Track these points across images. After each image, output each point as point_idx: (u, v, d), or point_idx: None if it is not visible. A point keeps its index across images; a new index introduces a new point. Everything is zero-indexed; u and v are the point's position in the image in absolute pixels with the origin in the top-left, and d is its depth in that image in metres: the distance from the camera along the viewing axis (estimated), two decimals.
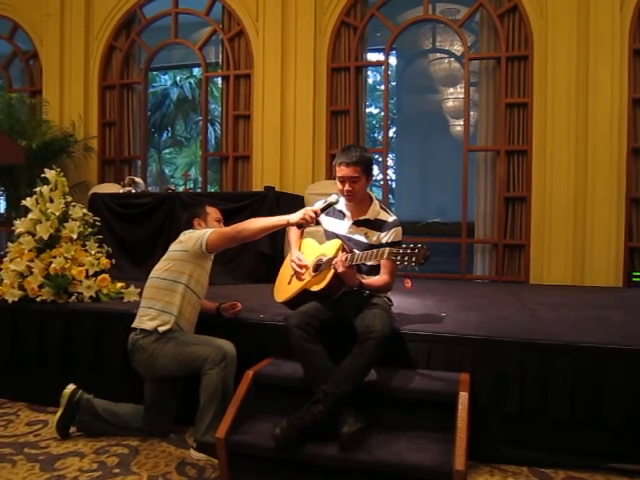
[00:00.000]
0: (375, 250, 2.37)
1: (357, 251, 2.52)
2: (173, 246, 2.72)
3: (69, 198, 3.47)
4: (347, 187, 2.57)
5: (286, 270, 2.78)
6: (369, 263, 2.48)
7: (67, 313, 3.15)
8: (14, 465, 2.39)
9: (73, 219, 3.40)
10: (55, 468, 2.36)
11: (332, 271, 2.42)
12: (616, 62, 5.07)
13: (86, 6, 6.68)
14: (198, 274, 2.65)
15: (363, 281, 2.51)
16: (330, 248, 2.58)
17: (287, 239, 2.90)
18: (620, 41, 5.07)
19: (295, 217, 2.49)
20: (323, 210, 2.60)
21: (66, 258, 3.27)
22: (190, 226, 2.83)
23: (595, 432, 2.37)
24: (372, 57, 8.00)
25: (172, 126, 16.15)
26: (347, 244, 2.59)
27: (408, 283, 2.49)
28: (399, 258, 2.21)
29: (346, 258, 2.39)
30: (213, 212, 2.91)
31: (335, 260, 2.40)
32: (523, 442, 2.43)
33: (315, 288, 2.50)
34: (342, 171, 2.57)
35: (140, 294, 2.96)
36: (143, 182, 5.70)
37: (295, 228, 2.74)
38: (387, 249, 2.29)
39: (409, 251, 2.20)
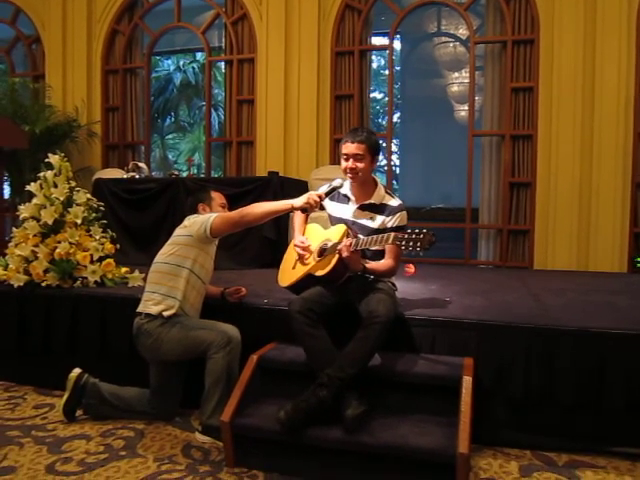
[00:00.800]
0: (380, 235, 2.36)
1: (362, 236, 2.51)
2: (177, 231, 2.72)
3: (73, 183, 3.46)
4: (350, 164, 2.55)
5: (290, 255, 2.78)
6: (374, 248, 2.47)
7: (72, 298, 3.16)
8: (22, 447, 2.41)
9: (77, 204, 3.40)
10: (62, 450, 2.39)
11: (337, 256, 2.42)
12: (623, 46, 5.01)
13: None
14: (202, 259, 2.65)
15: (367, 265, 2.51)
16: (335, 233, 2.57)
17: (291, 224, 2.89)
18: (627, 25, 5.01)
19: (299, 201, 2.48)
20: (327, 194, 2.59)
21: (71, 243, 3.27)
22: (194, 211, 2.82)
23: (598, 416, 2.38)
24: (376, 41, 7.90)
25: (175, 111, 16.09)
26: (352, 228, 2.58)
27: (411, 269, 2.48)
28: (404, 243, 2.21)
29: (351, 243, 2.38)
30: (218, 197, 2.91)
31: (340, 245, 2.40)
32: (526, 426, 2.44)
33: (319, 273, 2.50)
34: (347, 148, 2.56)
35: (144, 279, 2.97)
36: (147, 167, 5.69)
37: (300, 213, 2.73)
38: (392, 234, 2.28)
39: (414, 236, 2.19)
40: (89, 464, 2.26)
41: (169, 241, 2.71)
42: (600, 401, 2.34)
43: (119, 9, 6.64)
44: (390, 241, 2.28)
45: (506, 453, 2.38)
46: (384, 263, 2.57)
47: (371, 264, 2.54)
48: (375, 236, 2.37)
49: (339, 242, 2.45)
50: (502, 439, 2.44)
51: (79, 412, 2.74)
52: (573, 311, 2.88)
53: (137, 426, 2.65)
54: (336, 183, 2.61)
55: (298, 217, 2.81)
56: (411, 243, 2.19)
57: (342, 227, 2.56)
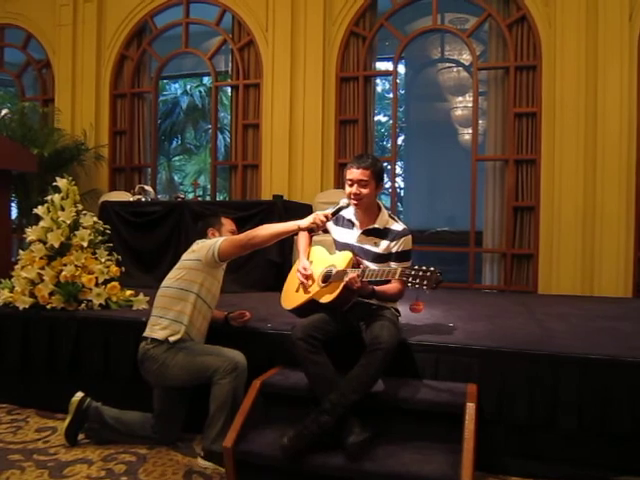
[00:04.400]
0: (387, 269, 2.39)
1: (367, 262, 2.53)
2: (186, 255, 2.73)
3: (80, 206, 3.49)
4: (355, 190, 2.56)
5: (294, 276, 2.76)
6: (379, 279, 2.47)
7: (77, 320, 3.17)
8: (23, 471, 2.40)
9: (84, 227, 3.42)
10: (64, 475, 2.38)
11: (342, 283, 2.41)
12: (625, 71, 5.07)
13: (98, 16, 6.78)
14: (209, 283, 2.66)
15: (376, 288, 2.51)
16: (340, 260, 2.56)
17: (296, 246, 2.90)
18: (629, 50, 5.07)
19: (306, 222, 2.50)
20: (334, 214, 2.59)
21: (76, 266, 3.29)
22: (204, 235, 2.85)
23: (603, 444, 2.35)
24: (381, 66, 8.02)
25: (182, 134, 16.24)
26: (357, 254, 2.58)
27: (420, 306, 2.51)
28: (410, 280, 2.22)
29: (358, 275, 2.38)
30: (228, 223, 2.93)
31: (348, 280, 2.38)
32: (531, 453, 2.41)
33: (324, 300, 2.49)
34: (352, 173, 2.57)
35: (149, 302, 2.98)
36: (153, 190, 5.74)
37: (305, 234, 2.75)
38: (399, 269, 2.31)
39: (421, 274, 2.21)
40: None
41: (177, 265, 2.73)
42: (605, 429, 2.32)
43: (128, 35, 6.77)
44: (397, 276, 2.30)
45: None
46: (392, 286, 2.56)
47: (380, 287, 2.54)
48: (381, 269, 2.39)
49: (344, 270, 2.45)
50: (506, 467, 2.42)
51: (81, 436, 2.73)
52: (577, 337, 2.87)
53: (139, 450, 2.64)
54: (343, 203, 2.60)
55: (303, 238, 2.81)
56: (417, 280, 2.20)
57: (348, 255, 2.55)
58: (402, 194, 13.15)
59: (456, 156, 10.54)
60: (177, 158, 17.04)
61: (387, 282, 2.53)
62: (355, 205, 2.61)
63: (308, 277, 2.61)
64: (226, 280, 2.88)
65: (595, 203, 5.11)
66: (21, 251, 3.44)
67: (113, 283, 3.42)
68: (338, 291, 2.43)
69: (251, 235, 2.57)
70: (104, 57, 6.84)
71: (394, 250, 2.59)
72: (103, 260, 3.44)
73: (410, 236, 2.63)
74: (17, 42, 7.32)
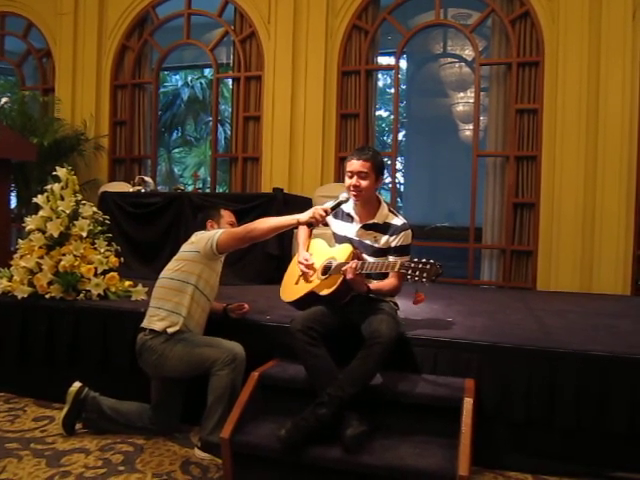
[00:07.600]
0: (386, 261, 2.39)
1: (367, 257, 2.52)
2: (184, 247, 2.73)
3: (79, 196, 3.48)
4: (354, 182, 2.54)
5: (294, 269, 2.76)
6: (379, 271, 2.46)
7: (75, 310, 3.17)
8: (20, 460, 2.40)
9: (83, 217, 3.41)
10: (61, 464, 2.38)
11: (341, 276, 2.41)
12: (627, 69, 5.06)
13: (100, 6, 6.76)
14: (207, 275, 2.66)
15: (371, 287, 2.51)
16: (340, 253, 2.56)
17: (296, 239, 2.90)
18: (632, 48, 5.06)
19: (305, 216, 2.49)
20: (333, 209, 2.57)
21: (75, 256, 3.29)
22: (203, 227, 2.84)
23: (601, 440, 2.36)
24: (383, 60, 8.00)
25: (182, 126, 16.21)
26: (357, 248, 2.58)
27: (421, 297, 2.52)
28: (410, 272, 2.22)
29: (356, 265, 2.38)
30: (227, 215, 2.92)
31: (345, 267, 2.40)
32: (528, 449, 2.42)
33: (323, 292, 2.50)
34: (352, 165, 2.56)
35: (148, 293, 2.98)
36: (153, 182, 5.73)
37: (305, 227, 2.73)
38: (399, 261, 2.31)
39: (420, 266, 2.21)
40: (87, 478, 2.25)
41: (175, 257, 2.72)
42: (602, 425, 2.33)
43: (129, 25, 6.75)
44: (396, 268, 2.30)
45: (507, 476, 2.36)
46: (388, 282, 2.57)
47: (375, 284, 2.54)
48: (381, 262, 2.40)
49: (344, 262, 2.44)
50: (503, 462, 2.42)
51: (78, 426, 2.72)
52: (575, 334, 2.87)
53: (136, 441, 2.64)
54: (342, 197, 2.59)
55: (302, 232, 2.80)
56: (417, 272, 2.21)
57: (348, 247, 2.55)
58: (402, 189, 13.14)
59: (457, 152, 10.54)
60: (177, 150, 17.02)
61: (386, 275, 2.54)
62: (354, 197, 2.59)
63: (309, 267, 2.61)
64: (225, 272, 2.88)
65: (595, 200, 5.11)
66: (20, 240, 3.43)
67: (112, 273, 3.41)
68: (337, 284, 2.43)
69: (250, 228, 2.57)
70: (105, 47, 6.82)
71: (393, 244, 2.58)
72: (102, 250, 3.43)
73: (410, 231, 2.62)
74: (18, 30, 7.29)
